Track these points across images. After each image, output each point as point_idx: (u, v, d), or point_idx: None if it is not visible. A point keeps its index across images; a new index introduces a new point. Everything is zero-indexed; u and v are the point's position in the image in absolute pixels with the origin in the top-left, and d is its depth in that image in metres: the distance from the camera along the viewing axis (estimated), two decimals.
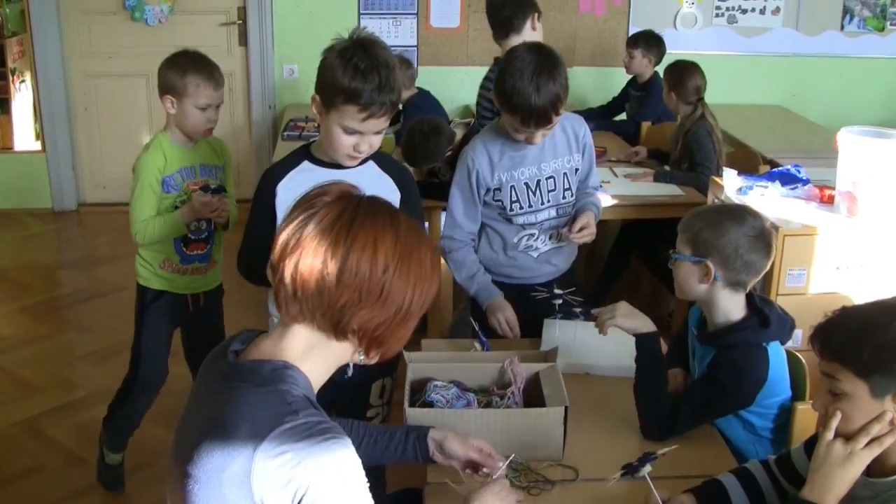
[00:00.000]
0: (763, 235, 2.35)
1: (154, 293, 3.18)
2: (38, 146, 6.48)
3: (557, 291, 2.84)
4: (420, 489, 2.18)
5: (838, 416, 1.76)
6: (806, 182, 3.68)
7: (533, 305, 2.89)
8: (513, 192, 2.92)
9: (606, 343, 2.52)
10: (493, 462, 2.02)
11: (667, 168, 4.69)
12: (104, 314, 4.88)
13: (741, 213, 2.39)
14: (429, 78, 6.15)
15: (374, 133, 2.39)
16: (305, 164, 2.51)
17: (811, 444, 1.91)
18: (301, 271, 1.50)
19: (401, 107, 4.98)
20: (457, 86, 6.35)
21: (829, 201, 3.53)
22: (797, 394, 2.46)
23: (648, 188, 4.48)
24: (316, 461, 1.42)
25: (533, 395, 2.36)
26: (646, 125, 5.42)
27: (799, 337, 2.73)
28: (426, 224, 4.20)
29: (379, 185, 2.52)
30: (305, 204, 1.56)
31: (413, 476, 2.36)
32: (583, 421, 2.35)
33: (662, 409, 2.33)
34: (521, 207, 2.94)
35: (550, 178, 2.94)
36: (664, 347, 2.72)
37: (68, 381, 4.23)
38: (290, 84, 6.38)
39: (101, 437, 3.40)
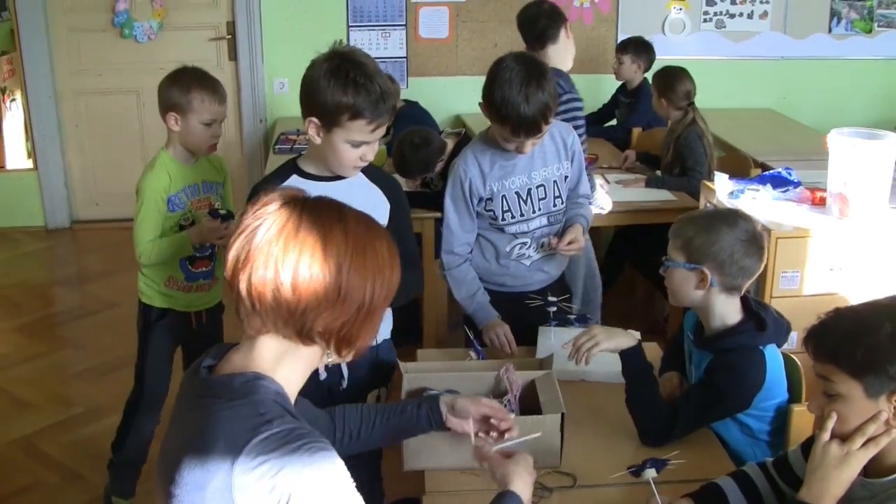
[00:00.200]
0: (756, 239, 2.36)
1: (158, 312, 3.17)
2: (29, 164, 6.46)
3: (551, 299, 2.85)
4: (418, 499, 2.18)
5: (834, 417, 1.76)
6: (797, 184, 3.69)
7: (527, 313, 2.90)
8: (504, 202, 2.92)
9: None
10: (506, 414, 2.05)
11: (658, 173, 4.71)
12: (99, 331, 4.87)
13: (733, 218, 2.39)
14: (419, 89, 6.16)
15: (377, 139, 2.41)
16: (294, 178, 2.48)
17: (808, 445, 1.91)
18: (255, 285, 1.48)
19: None
20: (447, 96, 6.35)
21: (820, 203, 3.54)
22: (793, 396, 2.46)
23: (641, 194, 4.49)
24: (294, 467, 1.41)
25: (529, 403, 2.36)
26: (636, 131, 5.44)
27: (794, 339, 2.73)
28: (420, 234, 4.23)
29: (368, 196, 2.52)
30: (251, 216, 1.53)
31: (411, 486, 2.35)
32: (579, 428, 2.35)
33: (658, 416, 2.33)
34: (513, 216, 2.94)
35: (541, 186, 2.95)
36: (660, 352, 2.74)
37: (64, 399, 4.22)
38: (280, 98, 6.38)
39: (108, 487, 3.34)
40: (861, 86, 6.76)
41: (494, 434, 2.05)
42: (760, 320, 2.36)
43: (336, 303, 1.50)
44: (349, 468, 1.50)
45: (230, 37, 6.31)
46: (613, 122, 5.87)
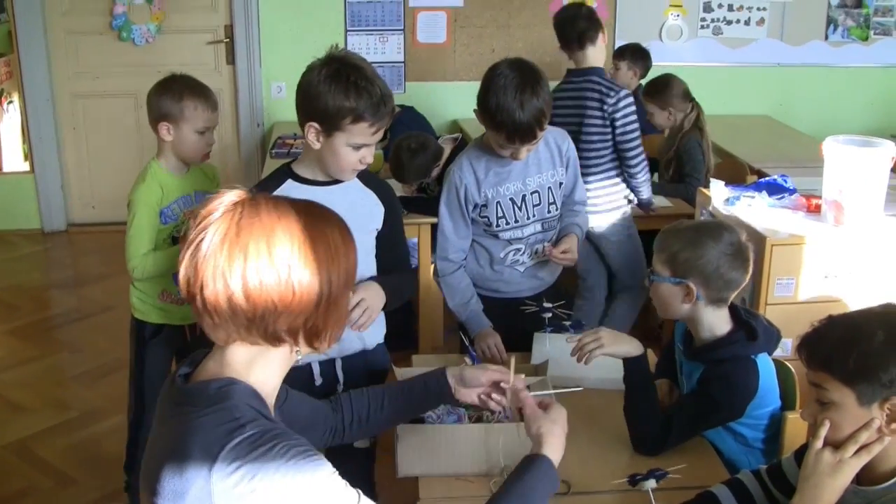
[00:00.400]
0: (741, 251, 2.34)
1: (153, 328, 3.13)
2: (26, 167, 6.46)
3: (547, 305, 2.85)
4: None
5: (827, 424, 1.77)
6: (793, 191, 3.69)
7: (522, 319, 2.90)
8: (498, 208, 2.92)
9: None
10: (514, 377, 2.05)
11: (655, 178, 4.72)
12: (95, 334, 4.87)
13: (717, 230, 2.37)
14: (416, 93, 6.17)
15: (376, 141, 2.42)
16: (289, 183, 2.47)
17: (802, 453, 1.91)
18: (208, 299, 1.47)
19: None
20: (444, 101, 6.36)
21: (815, 210, 3.54)
22: (787, 403, 2.46)
23: None
24: (269, 469, 1.41)
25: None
26: None
27: (788, 346, 2.74)
28: (415, 239, 4.23)
29: (363, 200, 2.54)
30: (194, 230, 1.49)
31: (407, 493, 2.35)
32: (574, 434, 2.32)
33: (654, 426, 2.33)
34: (507, 223, 2.94)
35: (535, 192, 2.95)
36: (654, 358, 2.74)
37: (60, 402, 4.22)
38: (278, 102, 6.38)
39: None
40: (857, 93, 6.78)
41: (500, 394, 2.06)
42: (751, 329, 2.35)
43: (293, 302, 1.48)
44: (341, 474, 1.50)
45: (228, 40, 6.31)
46: None
